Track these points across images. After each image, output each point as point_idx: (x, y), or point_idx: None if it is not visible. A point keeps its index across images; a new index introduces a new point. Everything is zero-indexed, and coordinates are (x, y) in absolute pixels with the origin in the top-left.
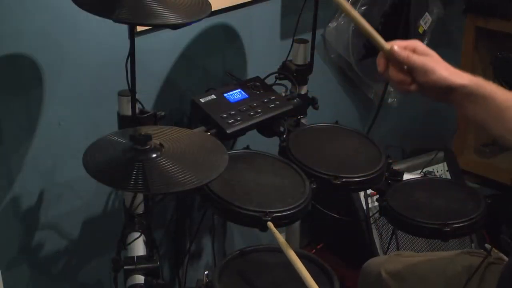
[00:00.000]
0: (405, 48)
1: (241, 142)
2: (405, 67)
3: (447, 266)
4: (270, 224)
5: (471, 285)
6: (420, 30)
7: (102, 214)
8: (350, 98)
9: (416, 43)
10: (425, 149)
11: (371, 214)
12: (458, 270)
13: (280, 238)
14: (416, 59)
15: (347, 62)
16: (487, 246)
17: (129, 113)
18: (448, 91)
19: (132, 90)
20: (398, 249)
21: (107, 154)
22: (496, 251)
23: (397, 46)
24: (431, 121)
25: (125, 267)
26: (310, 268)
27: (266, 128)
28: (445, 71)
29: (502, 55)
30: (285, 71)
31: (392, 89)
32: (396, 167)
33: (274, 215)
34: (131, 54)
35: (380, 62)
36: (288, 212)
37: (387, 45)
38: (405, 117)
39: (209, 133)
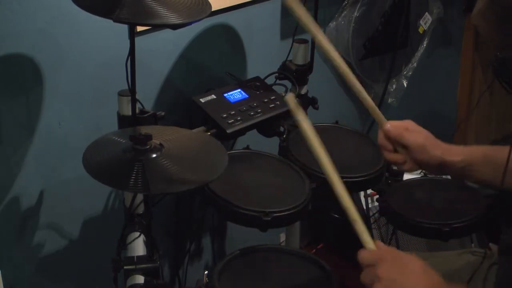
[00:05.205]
0: (397, 127)
1: (241, 142)
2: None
3: (449, 266)
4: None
5: (475, 286)
6: (420, 30)
7: (102, 214)
8: (350, 98)
9: (408, 123)
10: None
11: (371, 214)
12: (459, 268)
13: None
14: (409, 137)
15: (347, 62)
16: (492, 246)
17: (129, 113)
18: (443, 167)
19: (132, 90)
20: (398, 249)
21: (107, 154)
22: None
23: (390, 125)
24: (431, 121)
25: (125, 267)
26: (310, 268)
27: (266, 128)
28: (437, 149)
29: (502, 55)
30: (285, 71)
31: (392, 89)
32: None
33: (274, 215)
34: (131, 54)
35: (383, 142)
36: (288, 212)
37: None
38: (405, 117)
39: (209, 133)
